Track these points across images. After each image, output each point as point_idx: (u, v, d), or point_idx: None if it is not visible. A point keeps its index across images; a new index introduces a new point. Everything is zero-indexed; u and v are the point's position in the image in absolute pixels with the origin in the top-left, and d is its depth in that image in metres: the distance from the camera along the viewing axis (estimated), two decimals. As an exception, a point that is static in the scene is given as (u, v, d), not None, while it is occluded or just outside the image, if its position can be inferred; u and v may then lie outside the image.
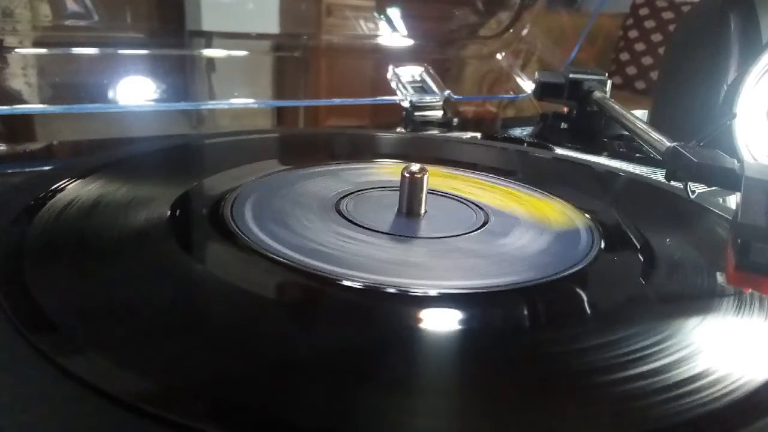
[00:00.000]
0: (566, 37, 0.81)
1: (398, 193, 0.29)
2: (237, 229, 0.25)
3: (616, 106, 0.49)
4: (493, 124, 0.72)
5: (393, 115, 0.64)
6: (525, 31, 0.79)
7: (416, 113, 0.62)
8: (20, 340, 0.17)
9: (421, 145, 0.50)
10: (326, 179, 0.33)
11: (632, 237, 0.28)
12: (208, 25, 0.63)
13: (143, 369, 0.16)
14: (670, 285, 0.24)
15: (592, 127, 0.54)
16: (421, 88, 0.65)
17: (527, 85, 0.77)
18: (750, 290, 0.23)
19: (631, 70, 1.37)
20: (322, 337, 0.19)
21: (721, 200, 0.38)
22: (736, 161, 0.28)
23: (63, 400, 0.15)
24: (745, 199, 0.24)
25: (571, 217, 0.30)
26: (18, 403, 0.15)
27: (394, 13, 0.73)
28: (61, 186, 0.28)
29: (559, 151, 0.51)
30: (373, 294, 0.22)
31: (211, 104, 0.63)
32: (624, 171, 0.44)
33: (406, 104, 0.63)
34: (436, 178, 0.33)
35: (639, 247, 0.27)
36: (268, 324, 0.20)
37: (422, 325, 0.21)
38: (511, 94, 0.79)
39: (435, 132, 0.60)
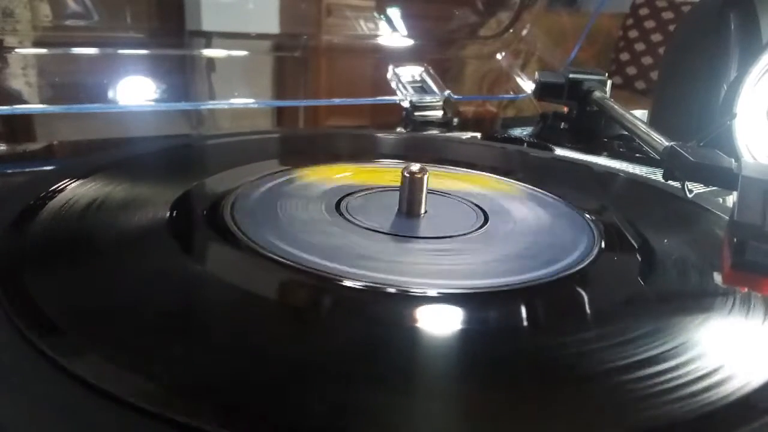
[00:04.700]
0: (566, 37, 0.81)
1: (398, 193, 0.29)
2: (237, 230, 0.25)
3: (616, 106, 0.49)
4: (493, 124, 0.72)
5: (393, 115, 0.64)
6: (525, 32, 0.79)
7: (416, 113, 0.62)
8: (20, 340, 0.17)
9: (421, 145, 0.50)
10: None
11: (631, 237, 0.29)
12: (208, 25, 0.63)
13: (143, 369, 0.16)
14: (669, 285, 0.24)
15: (592, 127, 0.55)
16: (421, 88, 0.65)
17: (527, 85, 0.77)
18: (746, 289, 0.23)
19: (631, 70, 1.37)
20: (322, 337, 0.19)
21: (721, 200, 0.38)
22: (733, 161, 0.28)
23: (62, 400, 0.15)
24: (741, 198, 0.24)
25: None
26: (18, 404, 0.15)
27: (394, 13, 0.73)
28: (62, 186, 0.28)
29: (559, 151, 0.51)
30: (373, 294, 0.22)
31: (211, 104, 0.63)
32: (623, 171, 0.44)
33: (406, 104, 0.63)
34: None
35: (638, 247, 0.27)
36: (269, 324, 0.20)
37: (422, 325, 0.21)
38: (511, 94, 0.79)
39: (435, 132, 0.60)
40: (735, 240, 0.21)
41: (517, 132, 0.60)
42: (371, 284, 0.22)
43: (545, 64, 0.79)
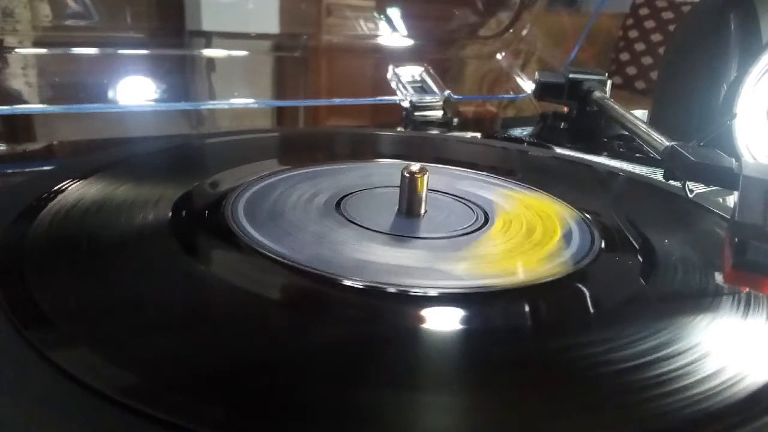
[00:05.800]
0: (566, 37, 0.81)
1: (398, 192, 0.29)
2: (237, 230, 0.25)
3: (616, 106, 0.49)
4: (493, 124, 0.72)
5: (393, 115, 0.64)
6: (525, 31, 0.79)
7: (416, 113, 0.62)
8: (20, 340, 0.17)
9: (421, 144, 0.50)
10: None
11: (632, 237, 0.28)
12: (208, 25, 0.63)
13: (143, 370, 0.16)
14: (670, 285, 0.24)
15: (592, 127, 0.55)
16: (421, 88, 0.65)
17: (527, 85, 0.77)
18: (747, 289, 0.23)
19: (631, 70, 1.37)
20: (322, 337, 0.19)
21: (721, 200, 0.38)
22: (734, 160, 0.28)
23: (62, 400, 0.15)
24: (742, 198, 0.24)
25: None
26: (18, 404, 0.15)
27: (394, 13, 0.73)
28: (62, 186, 0.28)
29: (559, 151, 0.51)
30: (373, 294, 0.22)
31: (211, 104, 0.63)
32: (624, 171, 0.44)
33: (406, 104, 0.63)
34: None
35: (638, 246, 0.27)
36: (268, 324, 0.20)
37: (422, 325, 0.21)
38: (511, 94, 0.79)
39: (435, 132, 0.60)
40: (736, 240, 0.21)
41: (517, 132, 0.60)
42: (371, 284, 0.22)
43: (545, 64, 0.79)
